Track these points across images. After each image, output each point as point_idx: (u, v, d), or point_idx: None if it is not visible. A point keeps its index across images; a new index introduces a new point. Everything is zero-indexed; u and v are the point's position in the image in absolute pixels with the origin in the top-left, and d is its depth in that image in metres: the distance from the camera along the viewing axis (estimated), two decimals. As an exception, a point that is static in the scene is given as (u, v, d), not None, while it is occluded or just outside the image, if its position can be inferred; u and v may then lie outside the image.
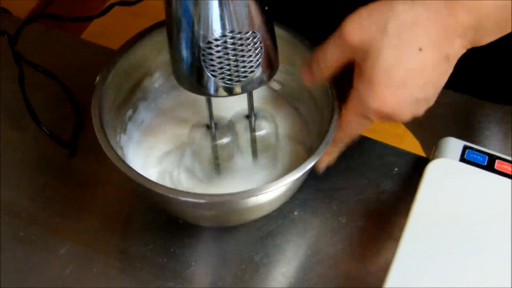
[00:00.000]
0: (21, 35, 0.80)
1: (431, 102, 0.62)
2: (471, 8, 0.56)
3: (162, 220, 0.73)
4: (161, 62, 0.74)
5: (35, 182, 0.76)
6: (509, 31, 0.58)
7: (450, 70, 0.60)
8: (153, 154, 0.74)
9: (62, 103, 0.81)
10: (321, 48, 0.62)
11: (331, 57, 0.62)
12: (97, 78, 0.68)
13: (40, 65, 0.81)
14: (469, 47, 0.59)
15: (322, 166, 0.69)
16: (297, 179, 0.63)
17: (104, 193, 0.76)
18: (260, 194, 0.62)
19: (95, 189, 0.76)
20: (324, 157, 0.67)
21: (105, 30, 1.58)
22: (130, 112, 0.74)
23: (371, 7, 0.59)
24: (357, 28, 0.59)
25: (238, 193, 0.62)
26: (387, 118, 0.61)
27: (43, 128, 0.78)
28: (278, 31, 0.63)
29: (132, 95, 0.74)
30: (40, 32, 0.89)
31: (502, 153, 0.71)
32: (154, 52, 0.72)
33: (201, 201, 0.62)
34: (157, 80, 0.76)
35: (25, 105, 0.78)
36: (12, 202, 0.75)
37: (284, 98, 0.77)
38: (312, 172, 0.66)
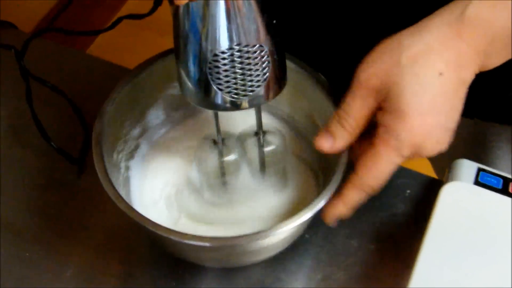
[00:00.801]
0: (27, 50, 0.78)
1: (452, 134, 0.60)
2: (480, 33, 0.56)
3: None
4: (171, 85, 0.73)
5: (41, 200, 0.76)
6: None
7: (464, 97, 0.59)
8: (160, 171, 0.74)
9: (70, 119, 0.80)
10: (341, 106, 0.60)
11: (354, 110, 0.59)
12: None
13: (47, 80, 0.81)
14: (477, 71, 0.58)
15: (335, 218, 0.63)
16: (309, 218, 0.62)
17: (110, 213, 0.75)
18: (267, 237, 0.60)
19: (101, 208, 0.75)
20: (340, 207, 0.62)
21: (113, 43, 1.57)
22: (137, 133, 0.74)
23: (379, 48, 0.58)
24: (372, 71, 0.58)
25: (243, 236, 0.60)
26: (417, 149, 0.58)
27: (52, 143, 0.77)
28: (287, 63, 0.63)
29: (140, 117, 0.73)
30: (46, 47, 0.89)
31: (515, 173, 0.70)
32: (164, 76, 0.72)
33: (205, 244, 0.61)
34: (167, 101, 0.75)
35: (32, 121, 0.78)
36: (16, 221, 0.74)
37: (288, 124, 0.77)
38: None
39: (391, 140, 0.57)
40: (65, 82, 0.82)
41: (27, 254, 0.71)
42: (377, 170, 0.59)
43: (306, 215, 0.61)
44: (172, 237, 0.60)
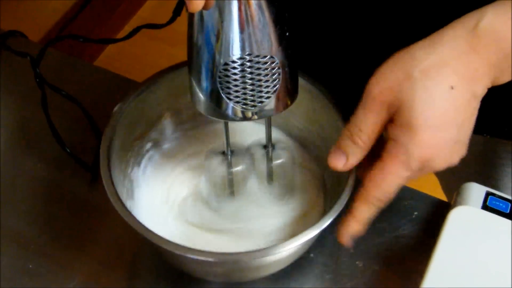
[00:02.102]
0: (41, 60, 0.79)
1: (465, 148, 0.60)
2: (493, 46, 0.57)
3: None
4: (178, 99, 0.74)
5: (49, 211, 0.76)
6: None
7: (477, 110, 0.59)
8: (168, 182, 0.75)
9: (83, 129, 0.81)
10: (351, 121, 0.60)
11: (366, 125, 0.59)
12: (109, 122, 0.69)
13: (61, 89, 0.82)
14: (490, 86, 0.59)
15: (350, 238, 0.62)
16: (315, 236, 0.62)
17: (116, 226, 0.75)
18: (272, 254, 0.61)
19: (107, 221, 0.76)
20: (353, 225, 0.61)
21: (123, 52, 1.58)
22: (145, 144, 0.75)
23: (391, 61, 0.59)
24: (384, 85, 0.58)
25: (248, 252, 0.62)
26: (427, 164, 0.58)
27: (66, 149, 0.78)
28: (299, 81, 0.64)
29: (148, 129, 0.74)
30: (57, 57, 0.90)
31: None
32: (172, 89, 0.73)
33: (209, 259, 0.61)
34: (175, 114, 0.76)
35: (44, 130, 0.79)
36: (22, 232, 0.75)
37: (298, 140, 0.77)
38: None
39: (399, 154, 0.58)
40: (77, 92, 0.83)
41: (31, 265, 0.72)
42: (385, 184, 0.59)
43: (311, 234, 0.61)
44: (177, 251, 0.61)
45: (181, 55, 0.64)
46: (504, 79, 0.58)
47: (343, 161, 0.61)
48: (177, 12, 0.76)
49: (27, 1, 1.75)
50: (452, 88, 0.56)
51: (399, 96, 0.57)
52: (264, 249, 0.61)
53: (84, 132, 0.80)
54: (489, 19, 0.56)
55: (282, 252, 0.61)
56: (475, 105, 0.58)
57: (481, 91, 0.58)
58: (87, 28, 1.85)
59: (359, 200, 0.60)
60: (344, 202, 0.62)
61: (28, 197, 0.77)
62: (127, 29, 0.78)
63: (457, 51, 0.57)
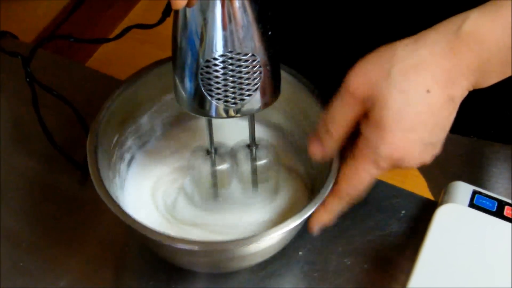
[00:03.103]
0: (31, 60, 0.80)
1: (438, 148, 0.61)
2: (475, 49, 0.57)
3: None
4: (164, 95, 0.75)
5: (39, 211, 0.77)
6: None
7: (455, 112, 0.60)
8: (154, 179, 0.75)
9: (73, 128, 0.81)
10: (328, 111, 0.62)
11: (340, 116, 0.61)
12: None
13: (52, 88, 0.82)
14: (471, 89, 0.59)
15: (318, 226, 0.65)
16: (298, 224, 0.63)
17: (106, 225, 0.76)
18: (257, 242, 0.62)
19: (98, 220, 0.76)
20: (323, 215, 0.65)
21: (113, 55, 1.59)
22: (131, 141, 0.75)
23: (373, 56, 0.59)
24: (362, 80, 0.59)
25: (233, 240, 0.62)
26: (397, 163, 0.60)
27: (57, 148, 0.79)
28: (282, 74, 0.64)
29: (134, 126, 0.75)
30: (48, 58, 0.91)
31: (510, 192, 0.70)
32: (157, 85, 0.74)
33: (194, 248, 0.62)
34: (160, 110, 0.77)
35: (35, 129, 0.80)
36: (13, 230, 0.75)
37: (282, 135, 0.78)
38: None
39: (369, 153, 0.59)
40: (67, 91, 0.83)
41: (22, 263, 0.72)
42: (356, 180, 0.61)
43: (294, 222, 0.62)
44: (163, 240, 0.61)
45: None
46: (488, 81, 0.59)
47: (319, 150, 0.63)
48: (166, 13, 0.77)
49: (18, 3, 1.76)
50: (428, 91, 0.57)
51: (374, 93, 0.58)
52: (249, 237, 0.61)
53: (74, 131, 0.81)
54: (472, 22, 0.56)
55: (266, 241, 0.62)
56: (451, 108, 0.59)
57: (459, 94, 0.58)
58: (78, 31, 1.86)
59: (331, 194, 0.63)
60: (326, 194, 0.63)
61: (19, 195, 0.78)
62: (118, 31, 0.78)
63: (437, 54, 0.57)
